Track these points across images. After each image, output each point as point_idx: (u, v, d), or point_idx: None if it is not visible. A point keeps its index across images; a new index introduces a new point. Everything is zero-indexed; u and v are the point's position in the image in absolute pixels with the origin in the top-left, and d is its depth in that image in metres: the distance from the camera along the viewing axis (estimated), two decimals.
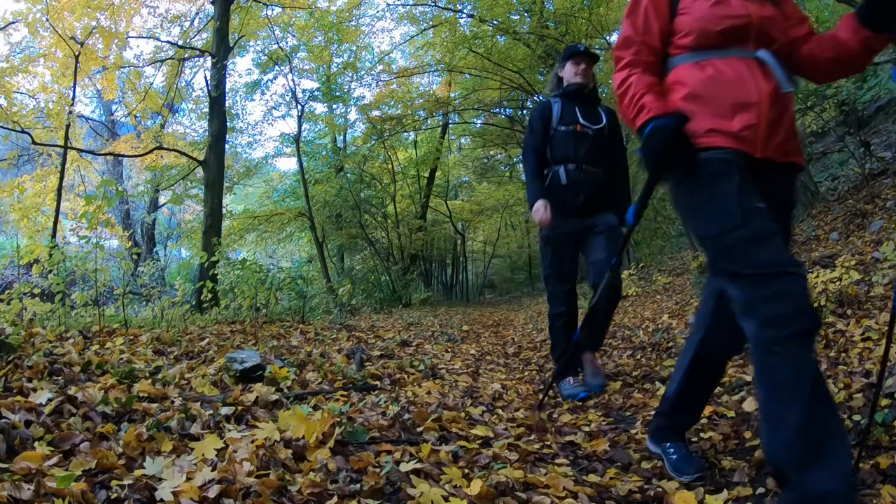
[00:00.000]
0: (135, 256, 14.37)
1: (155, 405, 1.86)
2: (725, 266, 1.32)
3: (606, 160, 2.92)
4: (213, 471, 1.32)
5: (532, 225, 23.22)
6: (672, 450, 1.69)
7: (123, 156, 14.42)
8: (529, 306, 12.16)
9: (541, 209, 2.80)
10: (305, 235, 16.16)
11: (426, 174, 16.65)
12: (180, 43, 11.39)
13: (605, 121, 2.93)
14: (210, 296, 5.83)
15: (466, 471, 1.58)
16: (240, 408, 1.95)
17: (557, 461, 1.81)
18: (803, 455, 1.14)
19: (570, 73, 2.96)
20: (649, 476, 1.69)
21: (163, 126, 13.73)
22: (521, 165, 21.51)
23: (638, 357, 3.71)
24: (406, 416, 2.04)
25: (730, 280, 1.30)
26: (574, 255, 2.97)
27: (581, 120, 2.88)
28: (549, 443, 2.03)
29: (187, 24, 12.11)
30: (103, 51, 10.39)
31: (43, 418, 1.56)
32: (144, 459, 1.35)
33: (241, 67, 56.84)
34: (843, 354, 2.40)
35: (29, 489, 1.11)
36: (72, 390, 1.83)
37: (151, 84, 12.86)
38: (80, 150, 11.54)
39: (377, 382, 2.82)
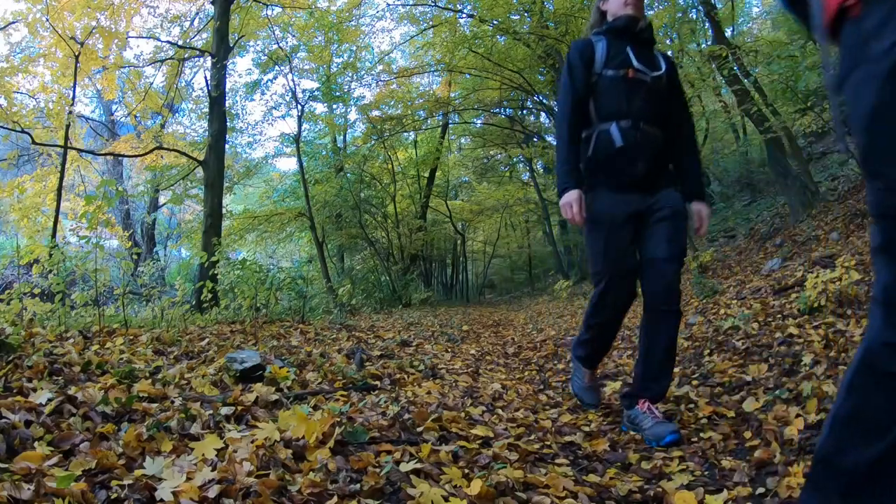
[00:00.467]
0: (135, 256, 14.37)
1: (155, 405, 1.86)
2: None
3: (664, 119, 2.22)
4: (213, 471, 1.32)
5: (532, 224, 23.27)
6: None
7: (123, 156, 14.42)
8: (529, 306, 12.16)
9: (572, 203, 2.11)
10: (305, 235, 16.17)
11: (426, 174, 16.67)
12: (180, 43, 11.39)
13: (664, 67, 2.22)
14: (210, 296, 5.83)
15: (466, 471, 1.58)
16: (240, 408, 1.95)
17: (557, 461, 1.81)
18: (858, 487, 0.95)
19: (617, 2, 2.25)
20: (649, 476, 1.69)
21: (163, 126, 13.73)
22: (521, 165, 21.54)
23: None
24: (406, 416, 2.04)
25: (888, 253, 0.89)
26: (635, 237, 2.20)
27: (635, 63, 2.18)
28: (548, 443, 2.03)
29: (187, 24, 12.12)
30: (103, 51, 10.39)
31: (43, 418, 1.56)
32: (144, 459, 1.35)
33: (241, 67, 56.85)
34: (843, 354, 2.40)
35: (29, 489, 1.11)
36: (72, 390, 1.83)
37: (151, 84, 12.87)
38: (80, 150, 11.54)
39: (377, 382, 2.82)
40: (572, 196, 2.12)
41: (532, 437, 2.10)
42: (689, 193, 2.23)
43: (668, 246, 2.11)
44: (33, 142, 8.77)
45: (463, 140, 20.37)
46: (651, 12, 8.82)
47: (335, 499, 1.29)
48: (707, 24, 9.30)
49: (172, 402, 1.94)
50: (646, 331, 2.16)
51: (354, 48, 13.77)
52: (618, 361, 3.68)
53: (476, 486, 1.40)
